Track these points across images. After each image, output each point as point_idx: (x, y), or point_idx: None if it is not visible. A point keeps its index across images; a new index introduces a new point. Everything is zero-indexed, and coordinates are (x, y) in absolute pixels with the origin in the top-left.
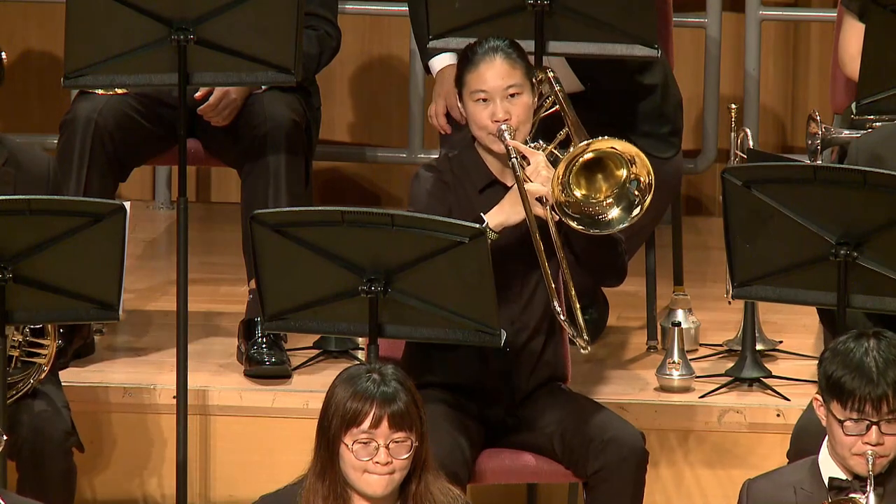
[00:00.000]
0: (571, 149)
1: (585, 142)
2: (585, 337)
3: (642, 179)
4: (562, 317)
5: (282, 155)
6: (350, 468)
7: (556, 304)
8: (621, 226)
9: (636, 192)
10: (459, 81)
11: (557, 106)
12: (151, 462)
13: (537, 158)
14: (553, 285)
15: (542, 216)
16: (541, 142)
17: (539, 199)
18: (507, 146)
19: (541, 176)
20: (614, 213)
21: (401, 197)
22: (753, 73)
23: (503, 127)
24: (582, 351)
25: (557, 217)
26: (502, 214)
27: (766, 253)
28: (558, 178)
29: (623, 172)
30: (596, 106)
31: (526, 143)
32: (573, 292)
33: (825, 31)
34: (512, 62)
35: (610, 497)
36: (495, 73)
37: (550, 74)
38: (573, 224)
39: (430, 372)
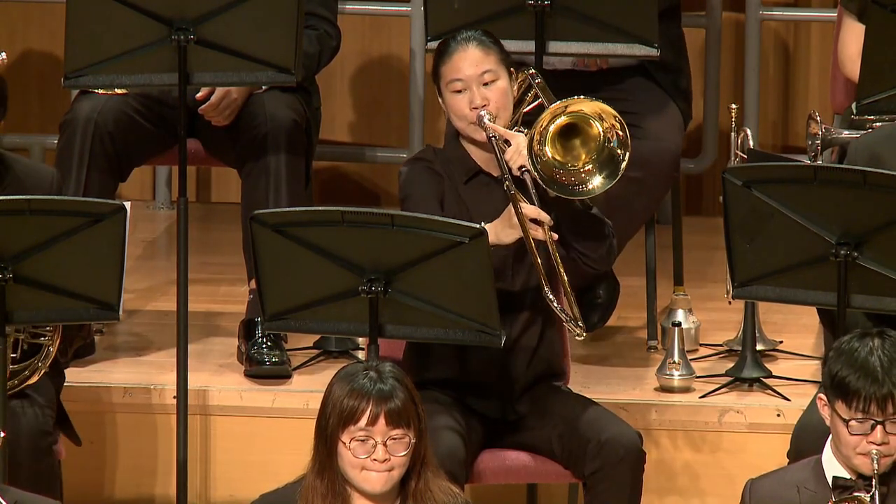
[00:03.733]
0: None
1: (550, 106)
2: (581, 324)
3: (618, 131)
4: (555, 304)
5: (282, 155)
6: (348, 466)
7: (547, 291)
8: (612, 181)
9: (614, 148)
10: (436, 75)
11: (540, 100)
12: (152, 462)
13: (518, 140)
14: (543, 272)
15: (539, 238)
16: (523, 128)
17: (535, 221)
18: (486, 130)
19: (522, 155)
20: (596, 181)
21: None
22: (753, 73)
23: (482, 113)
24: (577, 338)
25: (556, 237)
26: (494, 234)
27: (766, 253)
28: (535, 139)
29: (598, 129)
30: (647, 75)
31: (509, 129)
32: (572, 298)
33: (825, 32)
34: (485, 48)
35: (608, 497)
36: (469, 61)
37: (530, 71)
38: (553, 191)
39: (427, 368)
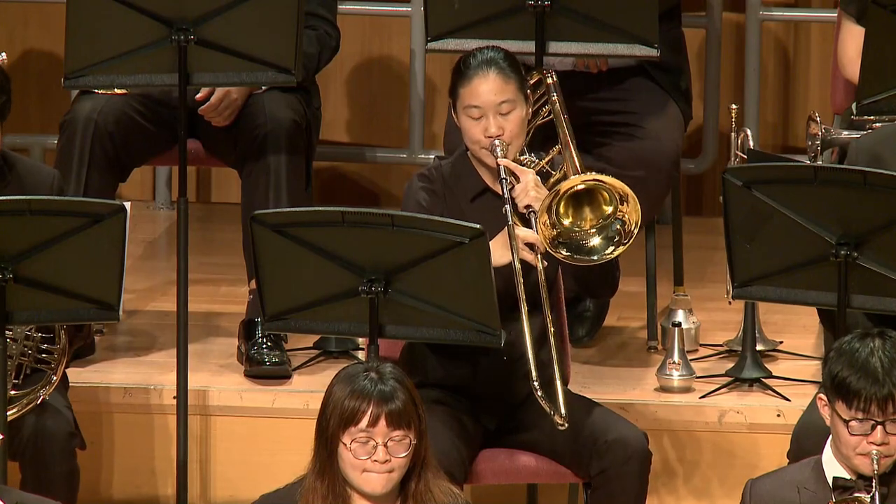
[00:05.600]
0: (561, 169)
1: (559, 185)
2: (563, 413)
3: (628, 221)
4: (538, 392)
5: (282, 155)
6: (349, 467)
7: (534, 376)
8: (596, 257)
9: (618, 229)
10: (453, 94)
11: (551, 116)
12: (152, 462)
13: (527, 177)
14: (532, 355)
15: (530, 262)
16: (534, 156)
17: (529, 245)
18: (498, 164)
19: (529, 196)
20: (595, 241)
21: (400, 197)
22: (754, 73)
23: (496, 143)
24: (559, 428)
25: (546, 264)
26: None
27: (766, 253)
28: (545, 224)
29: (609, 209)
30: (648, 75)
31: (521, 153)
32: (555, 352)
33: (825, 32)
34: (505, 76)
35: (614, 498)
36: (488, 88)
37: (549, 80)
38: (563, 252)
39: (427, 373)
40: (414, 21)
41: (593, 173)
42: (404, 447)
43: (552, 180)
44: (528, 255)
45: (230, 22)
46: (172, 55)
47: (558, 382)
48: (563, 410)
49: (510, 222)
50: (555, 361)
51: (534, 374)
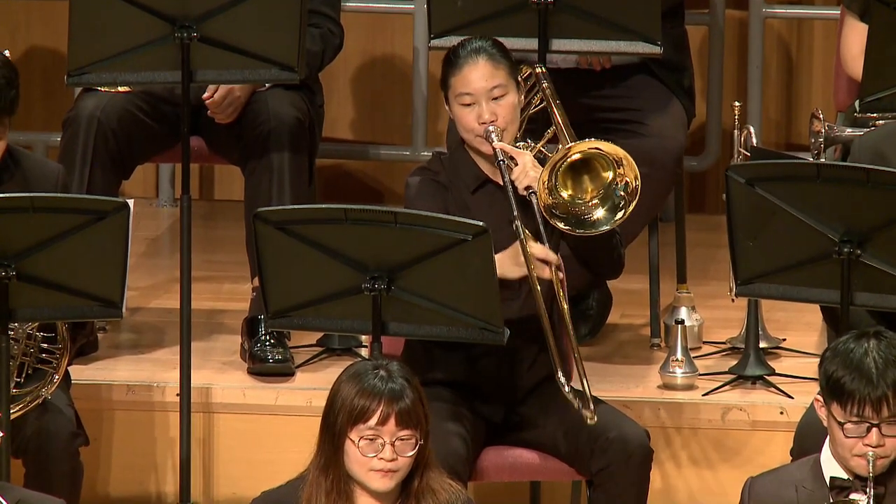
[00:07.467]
0: (558, 149)
1: (567, 146)
2: (591, 408)
3: (629, 182)
4: (566, 388)
5: (285, 152)
6: (355, 463)
7: (560, 374)
8: (605, 227)
9: (622, 195)
10: (444, 84)
11: (545, 103)
12: (154, 460)
13: (524, 159)
14: (557, 352)
15: (546, 277)
16: (529, 140)
17: (542, 260)
18: (494, 149)
19: (528, 176)
20: (599, 213)
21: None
22: (757, 70)
23: (490, 129)
24: (588, 422)
25: (562, 276)
26: (500, 268)
27: (769, 250)
28: (544, 183)
29: (609, 175)
30: (651, 73)
31: (516, 140)
32: (577, 354)
33: (828, 29)
34: (495, 63)
35: (615, 495)
36: (479, 74)
37: (538, 70)
38: (560, 225)
39: (429, 369)
40: (417, 18)
41: (591, 140)
42: (411, 446)
43: (550, 159)
44: (543, 272)
45: (233, 19)
46: (175, 52)
47: (585, 380)
48: (591, 405)
49: (521, 238)
50: (575, 349)
51: (559, 370)
